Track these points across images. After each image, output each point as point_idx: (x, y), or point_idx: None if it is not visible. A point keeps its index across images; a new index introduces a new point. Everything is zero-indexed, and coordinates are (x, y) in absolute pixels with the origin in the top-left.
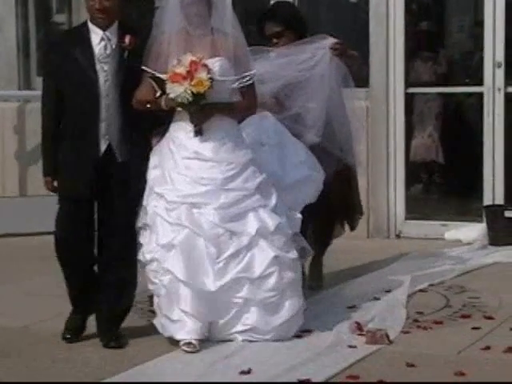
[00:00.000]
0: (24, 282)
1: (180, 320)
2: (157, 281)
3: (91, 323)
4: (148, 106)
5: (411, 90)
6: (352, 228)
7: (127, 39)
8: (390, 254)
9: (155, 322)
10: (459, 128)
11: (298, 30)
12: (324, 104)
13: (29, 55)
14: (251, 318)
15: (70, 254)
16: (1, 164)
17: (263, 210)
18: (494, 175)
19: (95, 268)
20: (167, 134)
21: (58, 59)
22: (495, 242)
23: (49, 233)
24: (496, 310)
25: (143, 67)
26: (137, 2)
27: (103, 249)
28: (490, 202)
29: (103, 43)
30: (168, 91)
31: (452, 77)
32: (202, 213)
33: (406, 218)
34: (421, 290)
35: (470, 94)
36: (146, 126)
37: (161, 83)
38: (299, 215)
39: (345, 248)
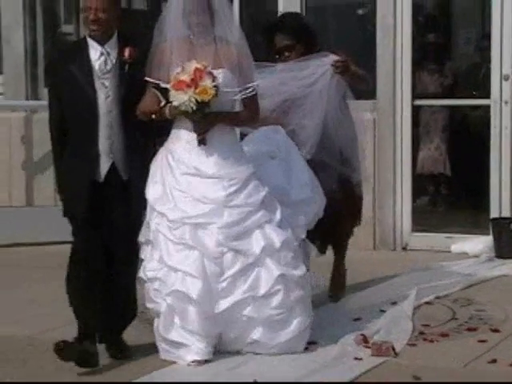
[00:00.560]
0: (30, 291)
1: (182, 342)
2: (158, 300)
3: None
4: (153, 116)
5: (418, 102)
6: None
7: (127, 52)
8: (396, 266)
9: (157, 344)
10: (466, 140)
11: (308, 43)
12: (319, 121)
13: (36, 65)
14: (257, 334)
15: (85, 267)
16: (8, 173)
17: (269, 226)
18: (500, 188)
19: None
20: (165, 145)
21: (56, 77)
22: (502, 255)
23: (55, 243)
24: (502, 322)
25: (146, 78)
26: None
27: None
28: (497, 215)
29: (103, 58)
30: (171, 99)
31: (459, 89)
32: (206, 232)
33: (413, 230)
34: (427, 303)
35: (477, 107)
36: (152, 136)
37: (165, 92)
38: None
39: (351, 260)
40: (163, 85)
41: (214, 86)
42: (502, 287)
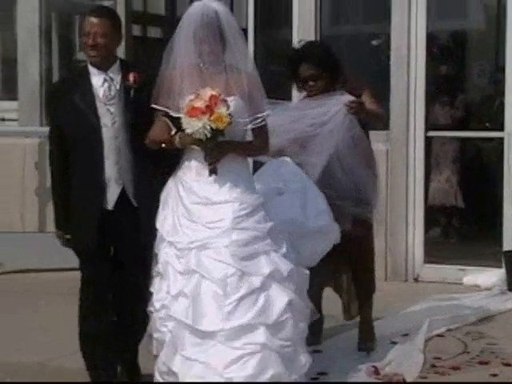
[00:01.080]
0: (40, 317)
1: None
2: (164, 329)
3: None
4: (163, 145)
5: (431, 133)
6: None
7: (131, 77)
8: (407, 298)
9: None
10: (479, 172)
11: (334, 72)
12: (324, 162)
13: None
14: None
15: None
16: (21, 199)
17: (275, 255)
18: None
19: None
20: (175, 174)
21: (58, 107)
22: None
23: (67, 269)
24: None
25: (154, 105)
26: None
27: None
28: (510, 248)
29: (106, 84)
30: (184, 126)
31: (472, 121)
32: (211, 253)
33: (425, 262)
34: (438, 335)
35: (491, 139)
36: (161, 164)
37: (176, 121)
38: (307, 271)
39: None
40: (174, 113)
41: (229, 114)
42: None
